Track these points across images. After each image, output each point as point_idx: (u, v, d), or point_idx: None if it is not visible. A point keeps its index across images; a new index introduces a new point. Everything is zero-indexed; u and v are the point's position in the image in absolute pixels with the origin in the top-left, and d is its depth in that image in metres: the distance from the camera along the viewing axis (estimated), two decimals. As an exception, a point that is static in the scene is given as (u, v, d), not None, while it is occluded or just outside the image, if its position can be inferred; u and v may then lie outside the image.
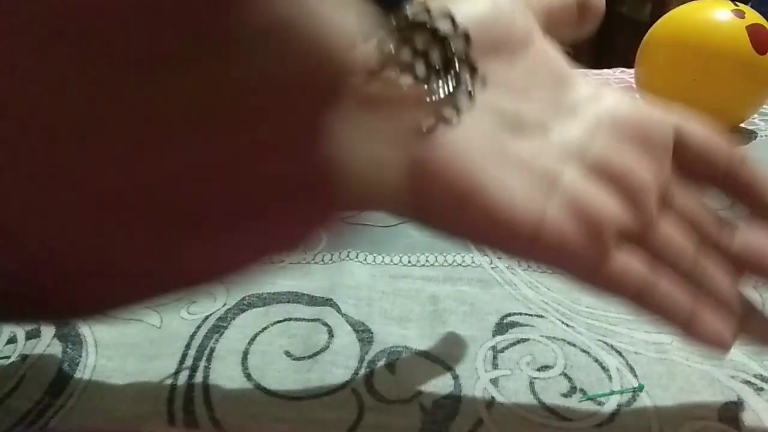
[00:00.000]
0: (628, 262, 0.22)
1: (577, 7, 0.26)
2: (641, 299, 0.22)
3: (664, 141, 0.23)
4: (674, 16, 0.60)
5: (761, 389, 0.27)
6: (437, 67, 0.20)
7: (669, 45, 0.59)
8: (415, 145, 0.19)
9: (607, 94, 0.24)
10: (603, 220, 0.21)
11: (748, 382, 0.27)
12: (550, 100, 0.23)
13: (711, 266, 0.23)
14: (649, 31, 0.61)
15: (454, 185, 0.20)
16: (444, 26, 0.20)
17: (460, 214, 0.20)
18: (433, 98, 0.20)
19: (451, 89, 0.20)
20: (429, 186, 0.19)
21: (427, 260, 0.36)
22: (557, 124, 0.22)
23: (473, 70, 0.21)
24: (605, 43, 2.42)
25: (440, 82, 0.20)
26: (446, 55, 0.20)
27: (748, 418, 0.25)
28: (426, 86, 0.19)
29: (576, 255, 0.21)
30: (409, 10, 0.20)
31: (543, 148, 0.22)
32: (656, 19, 0.61)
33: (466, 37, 0.21)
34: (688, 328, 0.22)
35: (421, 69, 0.20)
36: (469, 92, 0.20)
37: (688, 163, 0.24)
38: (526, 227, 0.20)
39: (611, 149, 0.22)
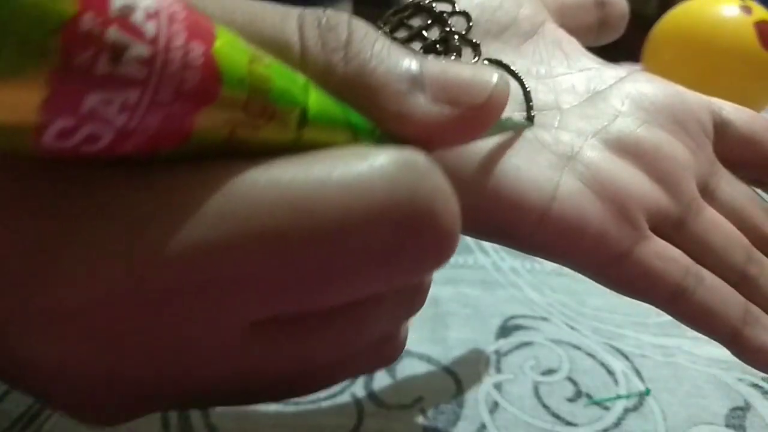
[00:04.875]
0: (666, 249, 0.19)
1: (594, 6, 0.25)
2: (680, 298, 0.18)
3: (701, 124, 0.21)
4: (680, 11, 0.59)
5: (770, 394, 0.26)
6: (437, 46, 0.20)
7: (675, 41, 0.58)
8: None
9: (633, 79, 0.22)
10: (630, 196, 0.19)
11: (755, 386, 0.27)
12: (565, 84, 0.21)
13: (767, 267, 0.20)
14: (655, 26, 0.60)
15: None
16: (443, 8, 0.21)
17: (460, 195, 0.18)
18: None
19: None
20: None
21: (429, 260, 0.36)
22: (574, 107, 0.21)
23: (475, 47, 0.21)
24: (610, 39, 2.41)
25: (440, 57, 0.20)
26: (444, 33, 0.21)
27: (755, 422, 0.25)
28: None
29: (597, 235, 0.18)
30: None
31: (557, 126, 0.20)
32: (662, 14, 0.60)
33: (467, 16, 0.21)
34: (737, 339, 0.18)
35: (416, 46, 0.20)
36: None
37: (733, 152, 0.21)
38: (534, 202, 0.18)
39: (637, 127, 0.20)
